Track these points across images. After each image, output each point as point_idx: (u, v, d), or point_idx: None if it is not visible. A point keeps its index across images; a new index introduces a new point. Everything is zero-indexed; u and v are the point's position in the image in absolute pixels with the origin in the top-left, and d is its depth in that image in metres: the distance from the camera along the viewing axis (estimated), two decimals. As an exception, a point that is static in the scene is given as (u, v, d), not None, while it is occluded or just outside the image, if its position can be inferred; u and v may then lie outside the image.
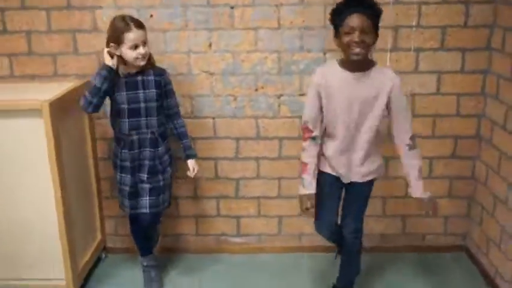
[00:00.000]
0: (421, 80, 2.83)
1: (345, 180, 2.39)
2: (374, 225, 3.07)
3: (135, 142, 2.53)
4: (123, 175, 2.57)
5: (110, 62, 2.39)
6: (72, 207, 2.63)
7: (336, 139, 2.31)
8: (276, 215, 3.10)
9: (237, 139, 2.96)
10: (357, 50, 2.11)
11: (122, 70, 2.48)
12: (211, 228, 3.14)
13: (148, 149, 2.55)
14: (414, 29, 2.74)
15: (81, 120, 2.82)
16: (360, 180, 2.37)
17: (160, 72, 2.55)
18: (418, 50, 2.78)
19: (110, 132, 2.92)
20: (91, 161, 2.94)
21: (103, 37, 2.74)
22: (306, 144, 2.37)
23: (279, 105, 2.89)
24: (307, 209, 2.34)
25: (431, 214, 2.37)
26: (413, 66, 2.81)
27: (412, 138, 2.27)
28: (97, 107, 2.45)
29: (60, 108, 2.47)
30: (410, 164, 2.29)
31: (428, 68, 2.81)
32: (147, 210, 2.58)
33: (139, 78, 2.48)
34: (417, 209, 2.37)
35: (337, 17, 2.16)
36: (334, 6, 2.19)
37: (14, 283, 2.67)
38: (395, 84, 2.20)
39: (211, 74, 2.85)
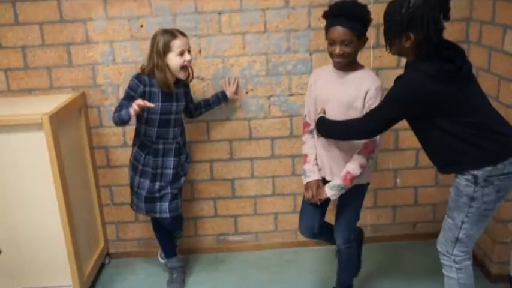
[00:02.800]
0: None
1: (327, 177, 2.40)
2: (367, 216, 3.19)
3: (160, 151, 2.63)
4: (142, 179, 2.66)
5: (133, 113, 2.42)
6: (76, 215, 2.71)
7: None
8: (272, 212, 3.20)
9: (230, 141, 3.06)
10: (337, 60, 2.22)
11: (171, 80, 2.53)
12: (210, 229, 3.24)
13: (172, 158, 2.65)
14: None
15: (79, 130, 2.90)
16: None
17: (186, 83, 2.68)
18: (400, 46, 2.90)
19: (106, 141, 3.03)
20: (90, 170, 3.01)
21: (96, 48, 2.87)
22: (305, 137, 2.47)
23: (269, 106, 2.99)
24: (313, 196, 2.36)
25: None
26: (396, 61, 2.92)
27: (365, 146, 2.28)
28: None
29: (59, 120, 2.54)
30: (349, 164, 2.30)
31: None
32: (168, 215, 2.68)
33: (174, 91, 2.57)
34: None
35: (325, 24, 2.23)
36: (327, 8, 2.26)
37: (22, 292, 2.75)
38: (372, 88, 2.22)
39: (202, 79, 2.94)
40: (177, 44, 2.46)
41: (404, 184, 3.16)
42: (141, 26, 2.84)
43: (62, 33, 2.85)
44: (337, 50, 2.17)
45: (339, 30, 2.14)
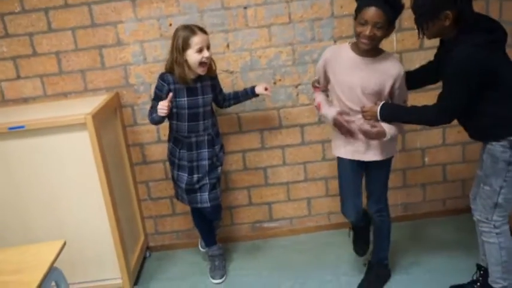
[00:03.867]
0: (426, 56, 3.03)
1: (357, 157, 2.45)
2: (397, 195, 3.29)
3: (193, 144, 2.73)
4: (179, 173, 2.77)
5: (163, 114, 2.58)
6: (119, 210, 2.82)
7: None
8: (305, 197, 3.30)
9: (261, 130, 3.16)
10: (366, 41, 2.21)
11: (189, 75, 2.62)
12: (246, 217, 3.34)
13: (206, 149, 2.74)
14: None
15: (115, 129, 3.01)
16: (372, 159, 2.44)
17: (213, 76, 2.74)
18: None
19: (141, 138, 3.14)
20: (127, 166, 3.12)
21: (127, 49, 2.97)
22: (316, 94, 2.56)
23: (297, 95, 3.09)
24: (348, 131, 2.38)
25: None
26: (419, 43, 3.00)
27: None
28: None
29: (99, 120, 2.65)
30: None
31: (432, 44, 3.01)
32: (208, 204, 2.78)
33: (198, 85, 2.66)
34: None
35: (358, 3, 2.23)
36: None
37: (74, 287, 2.86)
38: (400, 75, 2.30)
39: (231, 72, 3.04)
40: (195, 40, 2.52)
41: (432, 162, 3.25)
42: (170, 24, 2.94)
43: (94, 36, 2.95)
44: (368, 31, 2.17)
45: (374, 11, 2.14)
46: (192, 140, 2.73)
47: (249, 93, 2.90)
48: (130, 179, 3.16)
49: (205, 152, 2.76)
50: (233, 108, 3.06)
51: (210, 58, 2.60)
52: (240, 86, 3.04)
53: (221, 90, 2.86)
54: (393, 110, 2.32)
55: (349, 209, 2.59)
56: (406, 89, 2.41)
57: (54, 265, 1.95)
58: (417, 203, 3.34)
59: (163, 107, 2.53)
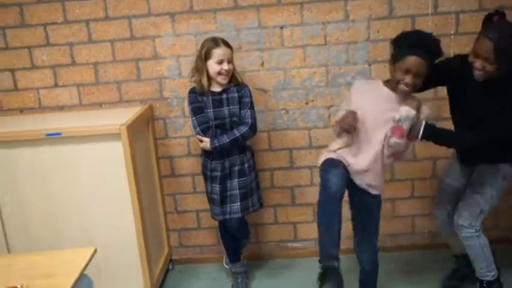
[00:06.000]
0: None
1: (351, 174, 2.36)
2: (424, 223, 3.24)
3: (223, 153, 2.75)
4: (213, 185, 2.79)
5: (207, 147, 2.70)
6: (147, 221, 2.84)
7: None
8: (331, 219, 3.27)
9: (291, 149, 3.16)
10: (404, 88, 2.20)
11: (213, 85, 2.72)
12: (270, 235, 3.33)
13: (237, 155, 2.76)
14: (453, 36, 2.93)
15: (147, 141, 3.05)
16: (366, 189, 2.39)
17: (241, 88, 2.76)
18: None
19: (171, 151, 3.17)
20: (156, 178, 3.16)
21: (163, 63, 3.03)
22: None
23: (329, 116, 3.09)
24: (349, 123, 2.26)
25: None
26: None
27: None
28: None
29: (133, 131, 2.69)
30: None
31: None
32: (239, 215, 2.79)
33: (224, 96, 2.72)
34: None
35: (397, 49, 2.21)
36: (399, 34, 2.26)
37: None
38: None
39: (266, 91, 3.06)
40: (217, 52, 2.62)
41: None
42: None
43: (131, 49, 3.02)
44: (410, 80, 2.17)
45: (417, 61, 2.14)
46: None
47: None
48: (158, 191, 3.18)
49: (236, 158, 2.77)
50: (263, 126, 3.08)
51: (229, 71, 2.67)
52: (273, 104, 3.07)
53: (245, 106, 2.73)
54: (437, 131, 2.29)
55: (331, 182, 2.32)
56: None
57: (84, 272, 1.97)
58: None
59: (202, 142, 2.71)
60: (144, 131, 3.01)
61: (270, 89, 3.06)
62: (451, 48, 2.93)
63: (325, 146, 3.08)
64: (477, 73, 2.19)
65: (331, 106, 3.07)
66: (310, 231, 3.30)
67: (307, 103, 3.08)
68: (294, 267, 3.24)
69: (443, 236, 2.87)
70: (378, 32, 2.93)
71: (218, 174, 2.77)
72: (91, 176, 2.70)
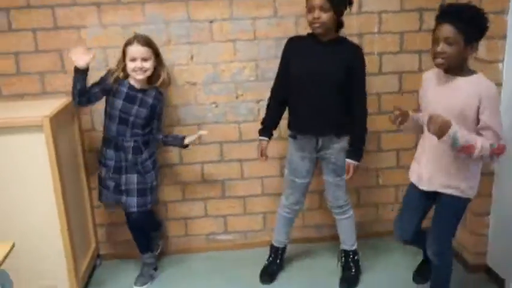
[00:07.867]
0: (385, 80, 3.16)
1: (422, 186, 2.38)
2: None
3: (119, 146, 2.77)
4: (104, 170, 2.84)
5: (80, 64, 2.60)
6: (72, 216, 2.77)
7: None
8: (261, 211, 3.33)
9: (221, 143, 3.18)
10: (437, 59, 2.16)
11: (132, 82, 2.74)
12: (200, 228, 3.34)
13: (131, 154, 2.78)
14: (377, 35, 3.06)
15: (73, 133, 2.96)
16: (439, 190, 2.32)
17: (159, 98, 2.80)
18: (380, 54, 3.11)
19: (99, 143, 3.09)
20: (82, 172, 3.08)
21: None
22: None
23: (258, 110, 3.13)
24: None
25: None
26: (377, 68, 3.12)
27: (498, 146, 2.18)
28: (81, 103, 2.73)
29: (56, 123, 2.61)
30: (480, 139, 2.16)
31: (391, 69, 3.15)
32: (135, 209, 2.84)
33: (139, 95, 2.74)
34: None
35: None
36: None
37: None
38: (485, 97, 2.13)
39: (194, 84, 3.06)
40: (130, 49, 2.67)
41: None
42: (134, 33, 2.92)
43: (55, 39, 2.92)
44: (439, 47, 2.13)
45: (444, 28, 2.11)
46: (119, 142, 2.77)
47: (179, 141, 2.91)
48: (84, 184, 3.11)
49: (130, 156, 2.79)
50: (193, 120, 3.08)
51: (143, 68, 2.67)
52: (203, 98, 3.07)
53: (159, 117, 2.87)
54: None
55: (398, 230, 2.55)
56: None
57: (1, 268, 1.90)
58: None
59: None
60: (70, 123, 2.92)
61: (200, 82, 3.06)
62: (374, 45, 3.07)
63: (254, 140, 3.14)
64: (315, 26, 2.52)
65: (261, 100, 3.11)
66: (240, 223, 3.34)
67: (237, 97, 3.11)
68: (223, 260, 3.26)
69: None
70: (306, 28, 2.99)
71: (112, 163, 2.80)
72: (12, 169, 2.59)
